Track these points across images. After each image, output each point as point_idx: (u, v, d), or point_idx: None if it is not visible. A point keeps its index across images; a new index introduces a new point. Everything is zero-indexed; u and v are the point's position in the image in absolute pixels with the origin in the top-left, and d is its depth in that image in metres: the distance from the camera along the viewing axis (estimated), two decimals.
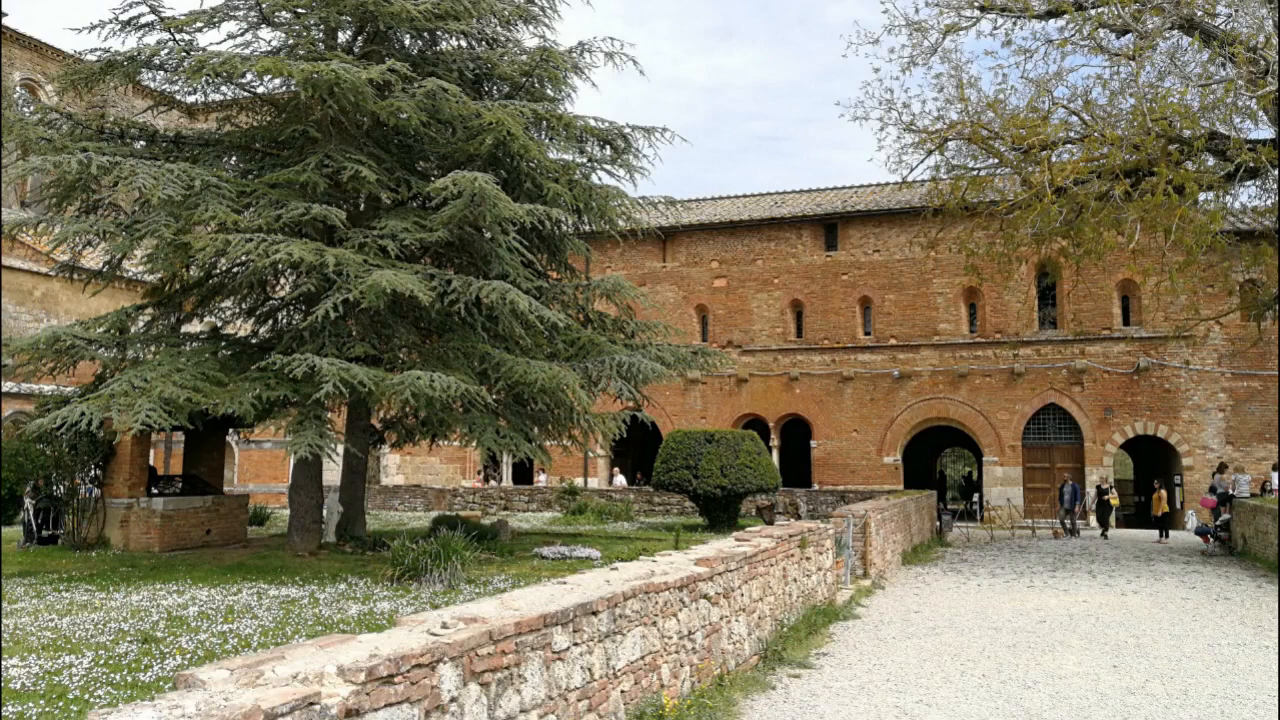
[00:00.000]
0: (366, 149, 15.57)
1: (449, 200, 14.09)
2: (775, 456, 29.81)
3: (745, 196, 36.19)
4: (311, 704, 3.26)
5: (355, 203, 16.31)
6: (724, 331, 32.43)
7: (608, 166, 17.93)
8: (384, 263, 13.92)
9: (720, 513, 21.38)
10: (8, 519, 20.00)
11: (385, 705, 3.67)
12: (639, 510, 27.12)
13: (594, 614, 5.50)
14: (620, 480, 31.90)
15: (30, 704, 6.23)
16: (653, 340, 18.91)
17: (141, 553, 15.75)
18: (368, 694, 3.56)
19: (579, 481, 31.54)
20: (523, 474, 35.85)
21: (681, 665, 6.82)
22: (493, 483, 34.11)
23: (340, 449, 16.05)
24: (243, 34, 16.16)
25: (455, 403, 14.43)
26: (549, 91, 17.53)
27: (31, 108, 18.70)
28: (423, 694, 3.90)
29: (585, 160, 17.88)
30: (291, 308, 16.92)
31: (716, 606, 7.63)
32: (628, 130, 17.54)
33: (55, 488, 17.04)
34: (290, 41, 16.35)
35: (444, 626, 4.33)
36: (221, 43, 15.98)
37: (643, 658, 6.17)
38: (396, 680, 3.73)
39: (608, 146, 17.79)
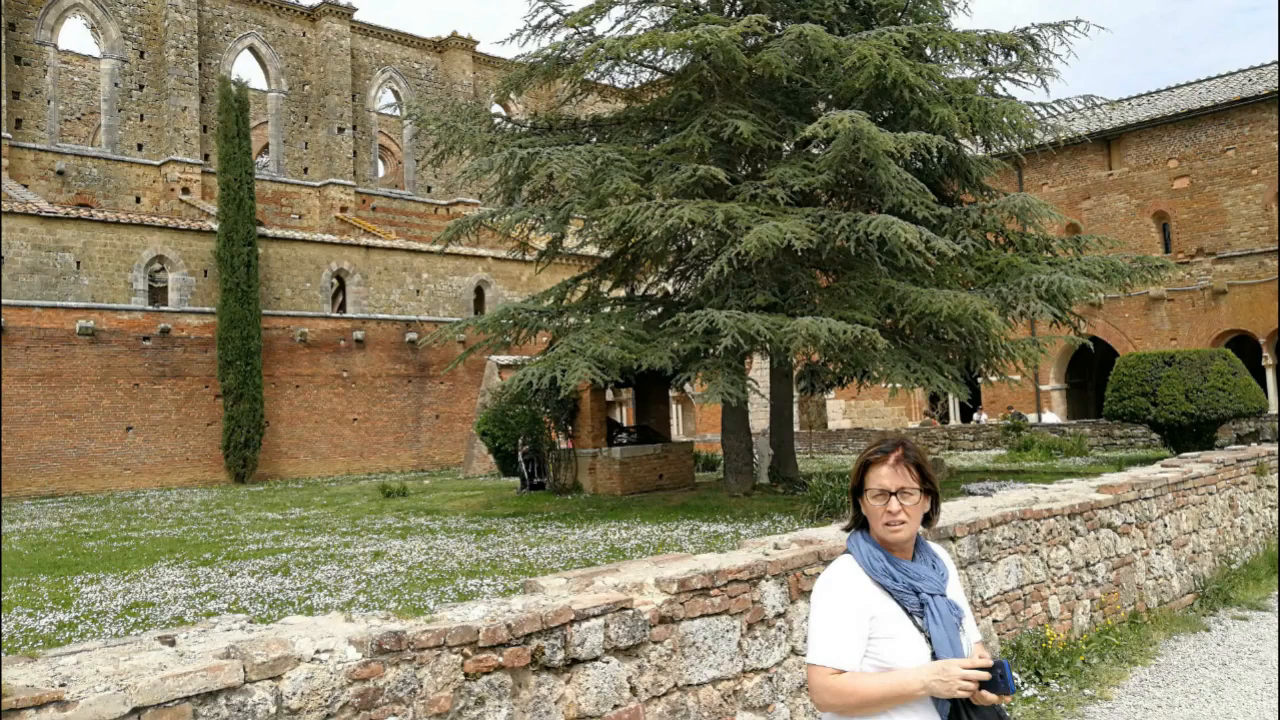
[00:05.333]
0: (751, 102, 16.04)
1: (829, 142, 14.47)
2: (1271, 377, 27.17)
3: (1205, 80, 31.44)
4: (623, 609, 3.56)
5: (749, 156, 17.00)
6: (1190, 239, 28.26)
7: (1013, 75, 16.98)
8: (775, 211, 14.35)
9: (1190, 443, 18.49)
10: (511, 471, 22.05)
11: (702, 615, 3.90)
12: (1095, 444, 24.77)
13: (950, 539, 5.46)
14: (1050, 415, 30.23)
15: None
16: (1079, 256, 17.58)
17: (606, 495, 17.75)
18: (681, 604, 3.81)
19: (1031, 417, 29.31)
20: (971, 414, 33.90)
21: (1077, 599, 6.51)
22: (937, 423, 33.37)
23: (766, 394, 17.61)
24: (628, 16, 17.06)
25: (858, 344, 13.85)
26: (932, 10, 17.09)
27: (478, 116, 19.80)
28: (743, 608, 4.09)
29: (987, 72, 17.13)
30: (695, 268, 17.98)
31: (1126, 537, 7.15)
32: (1034, 31, 16.66)
33: (536, 441, 20.18)
34: (671, 11, 17.11)
35: (775, 548, 4.56)
36: (612, 29, 17.03)
37: (1019, 588, 5.98)
38: (712, 593, 3.95)
39: (1012, 53, 16.85)
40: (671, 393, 23.67)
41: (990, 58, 17.20)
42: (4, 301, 25.60)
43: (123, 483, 27.38)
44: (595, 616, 3.46)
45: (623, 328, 15.15)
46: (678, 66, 17.38)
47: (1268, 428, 21.68)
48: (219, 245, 29.17)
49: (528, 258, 23.04)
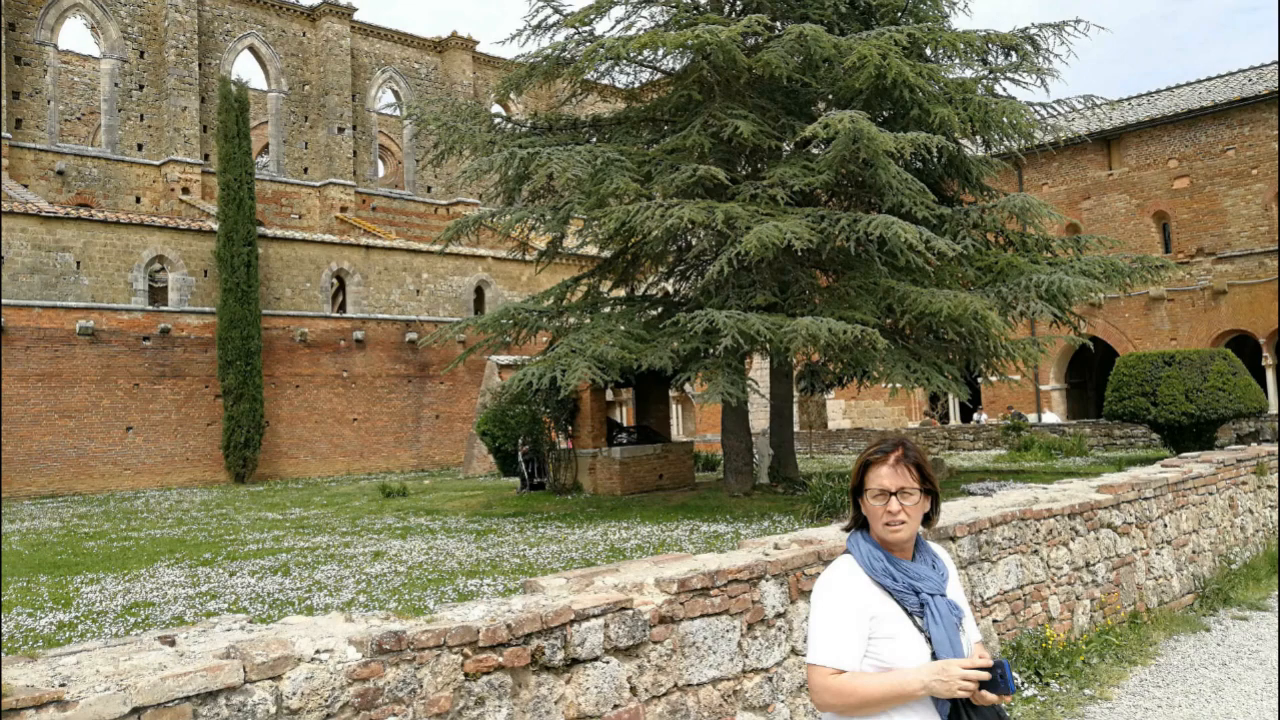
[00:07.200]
0: (751, 102, 16.04)
1: (829, 142, 14.47)
2: (1271, 377, 27.10)
3: (1205, 80, 31.46)
4: (623, 609, 3.59)
5: (749, 156, 16.96)
6: (1191, 239, 28.17)
7: (1013, 75, 16.92)
8: (775, 211, 14.34)
9: (1190, 443, 18.63)
10: (511, 471, 22.02)
11: (702, 615, 3.93)
12: (1095, 445, 24.83)
13: (950, 539, 5.48)
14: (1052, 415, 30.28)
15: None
16: (1079, 256, 17.51)
17: (606, 495, 17.83)
18: (681, 604, 3.85)
19: (1031, 417, 29.31)
20: (971, 414, 33.93)
21: (1077, 599, 6.50)
22: (937, 423, 33.33)
23: (766, 394, 17.59)
24: (628, 16, 17.07)
25: (858, 344, 13.77)
26: (932, 10, 17.07)
27: (478, 116, 19.81)
28: (743, 608, 4.11)
29: (987, 72, 17.08)
30: (695, 268, 18.00)
31: (1126, 537, 7.11)
32: (1034, 31, 16.61)
33: (536, 441, 20.21)
34: (671, 11, 17.13)
35: (775, 548, 4.57)
36: (612, 29, 17.05)
37: (1020, 588, 5.98)
38: (712, 593, 3.98)
39: (1012, 53, 16.82)
40: (671, 393, 23.69)
41: (990, 58, 17.17)
42: (4, 301, 25.61)
43: (123, 483, 27.39)
44: (595, 616, 3.48)
45: (623, 328, 15.15)
46: (678, 66, 17.36)
47: (1268, 428, 21.63)
48: (219, 245, 29.18)
49: (528, 258, 23.05)
